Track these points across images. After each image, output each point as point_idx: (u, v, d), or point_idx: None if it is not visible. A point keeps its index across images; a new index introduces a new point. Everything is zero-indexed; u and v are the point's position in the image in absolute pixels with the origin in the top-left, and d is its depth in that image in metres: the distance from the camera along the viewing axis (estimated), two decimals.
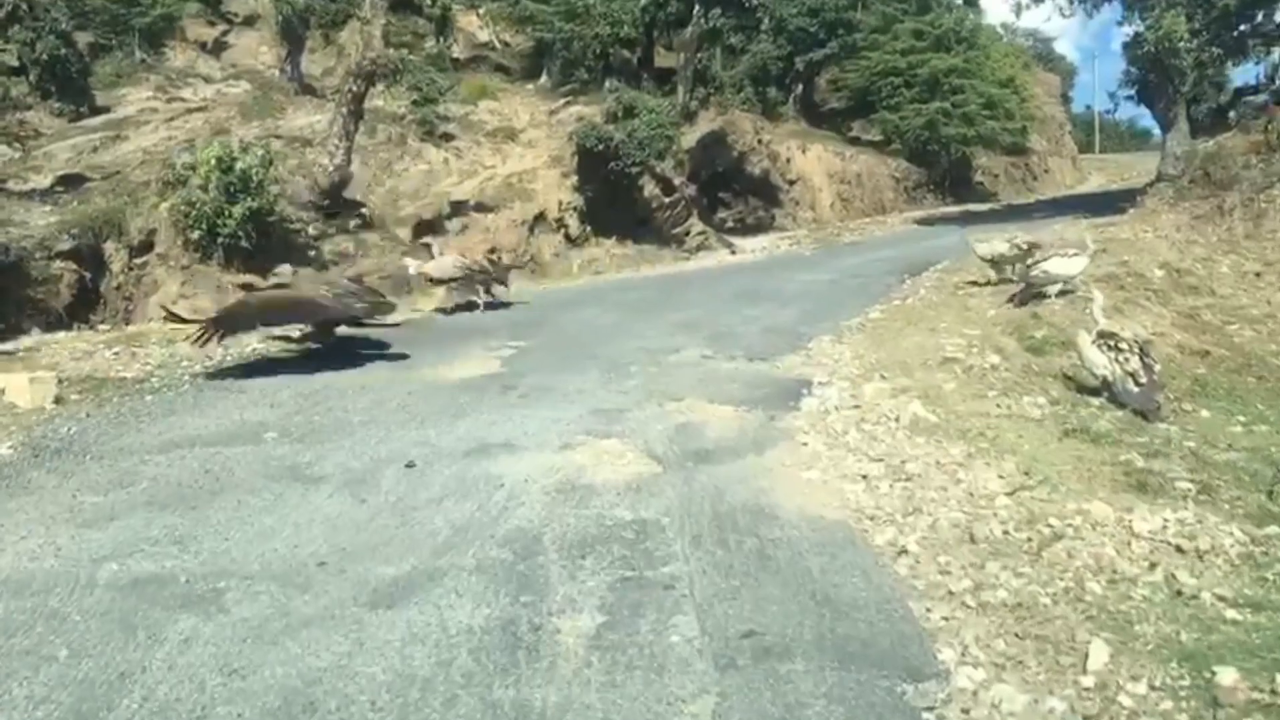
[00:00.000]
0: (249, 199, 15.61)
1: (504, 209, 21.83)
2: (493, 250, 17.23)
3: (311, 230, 17.37)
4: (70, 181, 18.89)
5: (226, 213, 15.44)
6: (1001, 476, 6.76)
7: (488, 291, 15.41)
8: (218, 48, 30.61)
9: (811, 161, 32.61)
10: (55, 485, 6.54)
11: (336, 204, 18.01)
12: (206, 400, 9.00)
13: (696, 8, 27.74)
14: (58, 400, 8.56)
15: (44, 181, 19.04)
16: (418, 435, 7.82)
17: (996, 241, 14.95)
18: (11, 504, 6.18)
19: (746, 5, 29.44)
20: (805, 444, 7.63)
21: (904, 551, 5.57)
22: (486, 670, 4.21)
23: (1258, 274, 15.90)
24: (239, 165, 15.74)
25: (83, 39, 25.86)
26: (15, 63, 23.64)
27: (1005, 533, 5.81)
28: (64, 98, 24.07)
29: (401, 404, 8.86)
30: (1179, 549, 5.64)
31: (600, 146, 22.39)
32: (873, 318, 13.04)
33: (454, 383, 9.74)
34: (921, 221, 29.71)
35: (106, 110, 24.09)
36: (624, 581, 5.09)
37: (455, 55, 30.98)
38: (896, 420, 8.14)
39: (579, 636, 4.50)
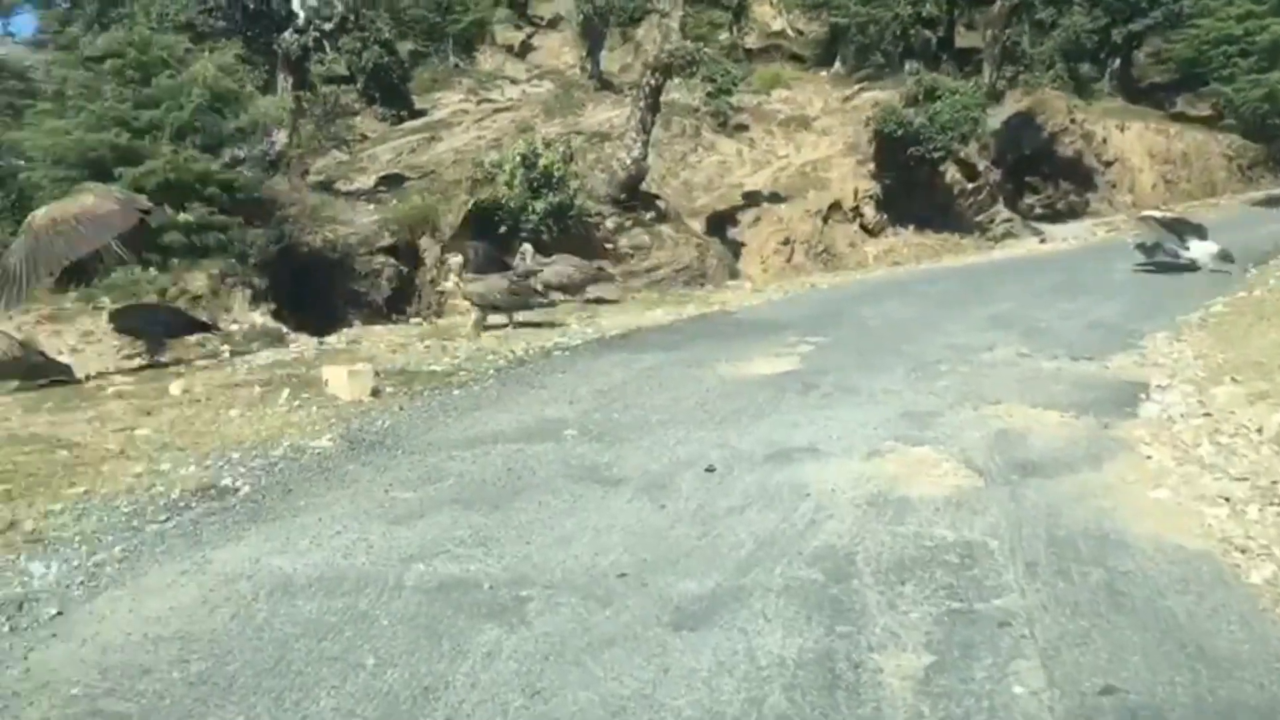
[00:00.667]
0: (551, 194, 15.98)
1: (798, 199, 21.40)
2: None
3: (609, 224, 17.59)
4: (390, 181, 20.09)
5: (530, 208, 15.86)
6: None
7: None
8: (524, 50, 31.91)
9: (1130, 140, 30.10)
10: (369, 479, 6.69)
11: (633, 197, 18.17)
12: (509, 395, 9.10)
13: None
14: (374, 393, 8.88)
15: (368, 182, 20.36)
16: (716, 437, 7.52)
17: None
18: (329, 496, 6.35)
19: None
20: (1149, 457, 6.76)
21: None
22: (802, 713, 3.80)
23: None
24: (541, 162, 16.14)
25: (404, 48, 27.57)
26: (345, 72, 25.47)
27: None
28: (387, 103, 25.75)
29: (699, 402, 8.61)
30: None
31: (899, 131, 21.53)
32: (1215, 312, 11.67)
33: (751, 380, 9.41)
34: (1262, 203, 26.74)
35: (423, 113, 25.57)
36: (951, 615, 4.55)
37: (748, 46, 30.80)
38: (1259, 432, 7.07)
39: (904, 679, 4.02)
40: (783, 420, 7.92)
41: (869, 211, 21.75)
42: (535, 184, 16.05)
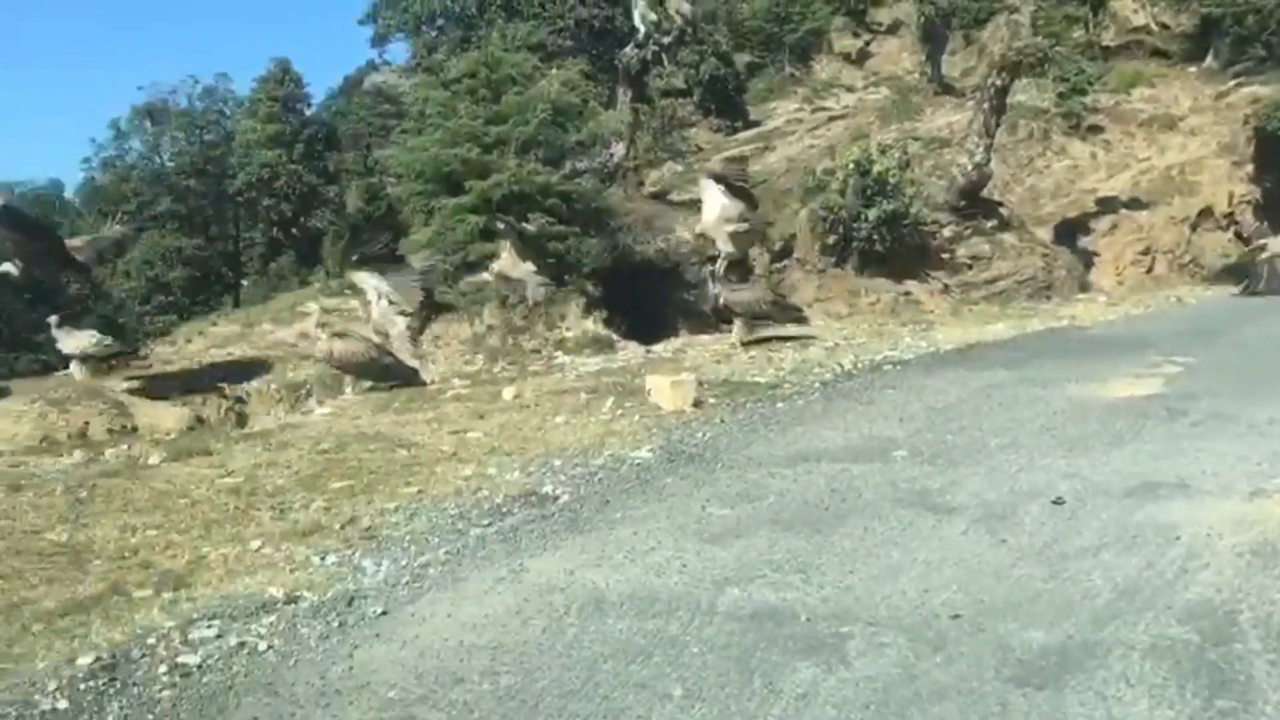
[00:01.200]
0: (885, 202, 15.39)
1: (1160, 205, 19.53)
2: None
3: (946, 232, 16.74)
4: None
5: (862, 216, 15.36)
6: None
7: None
8: (861, 57, 31.35)
9: None
10: (686, 494, 6.50)
11: (973, 204, 17.19)
12: (835, 410, 8.68)
13: None
14: (696, 404, 8.74)
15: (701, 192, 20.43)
16: (1065, 465, 6.77)
17: None
18: (645, 510, 6.21)
19: None
20: None
21: None
22: None
23: None
24: (876, 168, 15.58)
25: (740, 59, 27.76)
26: (682, 85, 25.95)
27: None
28: (722, 114, 25.99)
29: (1045, 425, 7.84)
30: None
31: None
32: None
33: (1107, 403, 8.49)
34: None
35: (758, 123, 25.56)
36: None
37: (1106, 42, 28.59)
38: None
39: None
40: (1144, 450, 7.04)
41: (1246, 218, 19.48)
42: (868, 191, 15.50)
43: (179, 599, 4.96)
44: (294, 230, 37.91)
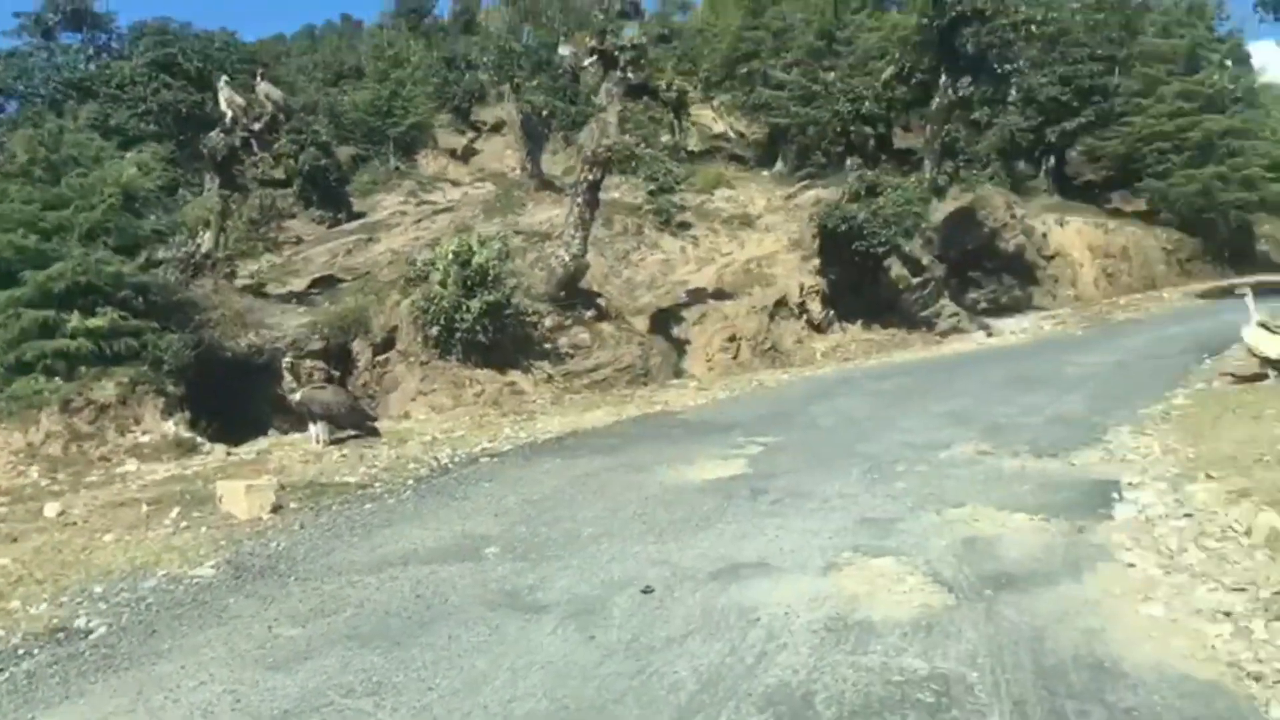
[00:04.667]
0: (486, 292, 15.32)
1: (743, 296, 20.89)
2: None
3: (548, 322, 16.93)
4: (324, 283, 19.38)
5: (464, 307, 15.20)
6: None
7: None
8: (467, 154, 31.82)
9: (1070, 235, 30.19)
10: (251, 614, 5.80)
11: (573, 295, 17.55)
12: (428, 508, 8.25)
13: (944, 77, 26.32)
14: (275, 509, 8.01)
15: (300, 284, 19.60)
16: (655, 551, 6.75)
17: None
18: (200, 638, 5.45)
19: (998, 72, 27.82)
20: (1132, 565, 6.12)
21: None
22: None
23: None
24: (476, 259, 15.51)
25: (344, 151, 27.24)
26: (282, 175, 25.00)
27: None
28: (324, 205, 25.26)
29: (637, 512, 7.84)
30: None
31: (843, 227, 21.25)
32: (1178, 404, 11.17)
33: (695, 486, 8.67)
34: (1204, 295, 26.80)
35: (362, 215, 25.07)
36: None
37: (690, 147, 30.80)
38: (1247, 534, 6.47)
39: None
40: (729, 531, 7.18)
41: (815, 307, 21.28)
42: (470, 282, 15.37)
43: None
44: None
